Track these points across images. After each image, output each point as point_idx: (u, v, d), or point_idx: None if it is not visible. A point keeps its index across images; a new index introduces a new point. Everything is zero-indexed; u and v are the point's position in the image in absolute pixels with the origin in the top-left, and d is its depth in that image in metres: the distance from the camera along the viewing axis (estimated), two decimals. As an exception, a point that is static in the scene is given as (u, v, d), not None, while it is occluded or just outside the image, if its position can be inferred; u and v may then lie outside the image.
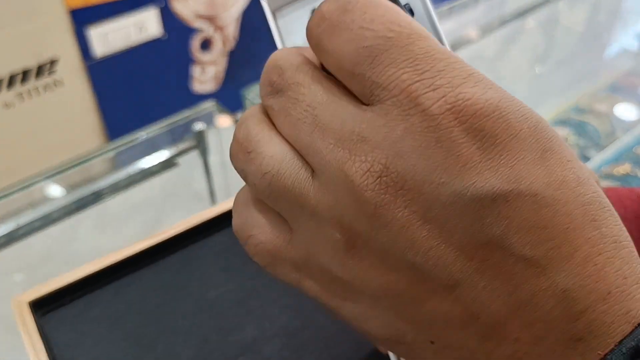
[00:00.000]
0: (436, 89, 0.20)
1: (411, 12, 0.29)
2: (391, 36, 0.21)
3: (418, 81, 0.21)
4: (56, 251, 0.80)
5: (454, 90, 0.20)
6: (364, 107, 0.22)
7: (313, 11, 0.26)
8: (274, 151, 0.24)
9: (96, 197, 0.66)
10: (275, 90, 0.25)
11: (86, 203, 0.66)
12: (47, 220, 0.64)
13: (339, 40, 0.22)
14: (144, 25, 1.51)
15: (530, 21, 1.40)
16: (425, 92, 0.20)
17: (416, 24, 0.22)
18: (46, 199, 0.66)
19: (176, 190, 0.80)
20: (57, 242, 1.05)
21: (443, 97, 0.20)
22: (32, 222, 0.63)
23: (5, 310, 0.53)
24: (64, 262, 0.79)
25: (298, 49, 0.26)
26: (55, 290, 0.51)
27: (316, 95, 0.23)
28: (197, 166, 0.75)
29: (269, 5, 0.34)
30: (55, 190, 0.66)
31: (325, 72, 0.24)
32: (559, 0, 1.41)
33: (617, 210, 0.41)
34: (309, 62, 0.25)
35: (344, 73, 0.22)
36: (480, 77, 0.21)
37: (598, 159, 0.94)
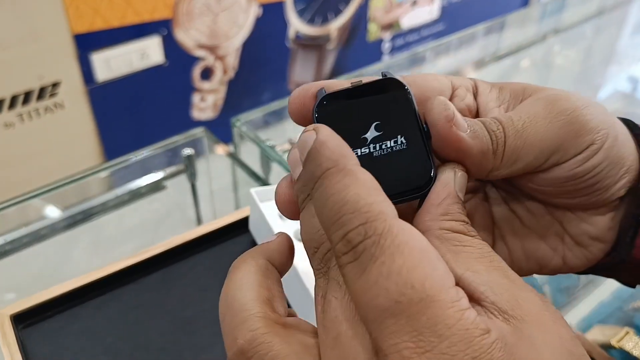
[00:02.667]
0: None
1: (428, 132, 0.29)
2: (401, 301, 0.22)
3: None
4: (47, 272, 0.81)
5: None
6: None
7: None
8: None
9: (85, 217, 0.68)
10: None
11: (75, 222, 0.68)
12: (35, 237, 0.66)
13: (360, 283, 0.23)
14: (146, 53, 1.54)
15: (526, 61, 1.43)
16: None
17: (431, 281, 0.22)
18: (34, 217, 0.68)
19: (164, 212, 0.82)
20: (48, 261, 1.06)
21: None
22: (20, 238, 0.65)
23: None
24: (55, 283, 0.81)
25: None
26: (38, 305, 0.52)
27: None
28: (185, 190, 0.77)
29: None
30: (43, 209, 0.68)
31: None
32: (553, 43, 1.44)
33: None
34: None
35: (361, 317, 0.24)
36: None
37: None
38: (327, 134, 0.26)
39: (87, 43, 1.45)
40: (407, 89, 0.29)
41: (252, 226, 0.58)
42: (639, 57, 1.62)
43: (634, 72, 1.55)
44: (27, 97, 1.43)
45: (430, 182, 0.28)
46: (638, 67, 1.56)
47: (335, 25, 1.84)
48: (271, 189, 0.57)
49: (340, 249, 0.24)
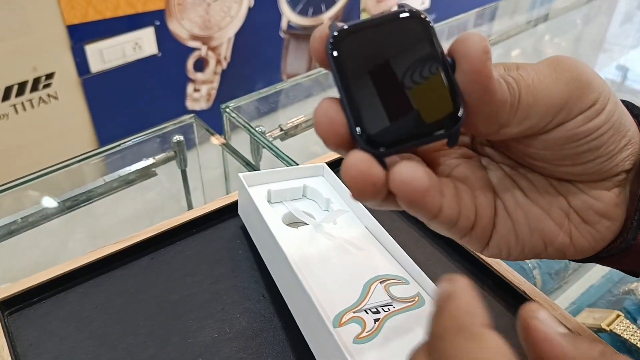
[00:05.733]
0: None
1: (453, 66, 0.27)
2: None
3: None
4: (43, 264, 0.81)
5: None
6: None
7: None
8: None
9: (74, 204, 0.68)
10: None
11: (64, 208, 0.68)
12: (23, 225, 0.66)
13: None
14: (139, 44, 1.53)
15: (516, 50, 1.43)
16: None
17: None
18: (23, 205, 0.68)
19: (158, 203, 0.82)
20: (44, 254, 1.06)
21: None
22: (8, 225, 0.65)
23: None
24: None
25: None
26: (23, 290, 0.52)
27: None
28: (178, 178, 0.76)
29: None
30: (32, 197, 0.68)
31: None
32: (544, 31, 1.44)
33: None
34: None
35: None
36: None
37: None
38: (460, 287, 0.24)
39: (81, 34, 1.45)
40: (427, 19, 0.27)
41: (241, 210, 0.58)
42: (628, 45, 1.62)
43: (623, 61, 1.55)
44: (20, 88, 1.42)
45: (459, 118, 0.27)
46: (627, 56, 1.56)
47: (328, 15, 1.84)
48: (259, 173, 0.57)
49: None
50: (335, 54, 0.26)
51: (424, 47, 0.27)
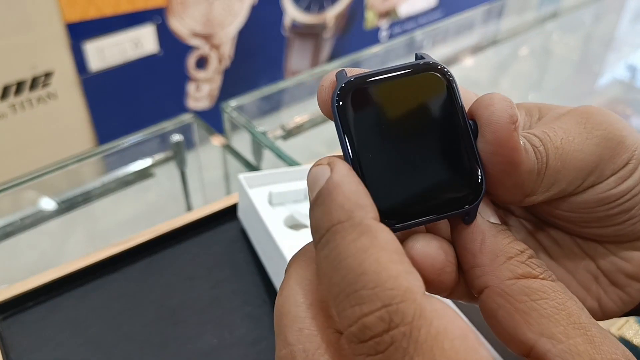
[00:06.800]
0: None
1: (475, 131, 0.24)
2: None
3: None
4: (41, 265, 0.79)
5: None
6: None
7: None
8: None
9: (72, 205, 0.66)
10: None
11: (62, 210, 0.66)
12: (20, 226, 0.64)
13: None
14: (140, 42, 1.52)
15: (524, 49, 1.41)
16: None
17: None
18: (20, 206, 0.66)
19: (158, 204, 0.80)
20: (42, 255, 1.04)
21: None
22: (4, 227, 0.64)
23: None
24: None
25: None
26: (18, 295, 0.51)
27: None
28: (177, 178, 0.75)
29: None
30: (30, 198, 0.67)
31: None
32: (552, 30, 1.42)
33: None
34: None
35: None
36: None
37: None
38: (343, 174, 0.22)
39: (80, 32, 1.43)
40: (449, 74, 0.24)
41: (241, 213, 0.56)
42: (637, 44, 1.60)
43: (632, 60, 1.53)
44: (19, 87, 1.41)
45: (479, 191, 0.24)
46: (637, 55, 1.54)
47: (332, 13, 1.82)
48: (260, 174, 0.56)
49: (355, 334, 0.20)
50: (341, 109, 0.23)
51: (443, 107, 0.24)
